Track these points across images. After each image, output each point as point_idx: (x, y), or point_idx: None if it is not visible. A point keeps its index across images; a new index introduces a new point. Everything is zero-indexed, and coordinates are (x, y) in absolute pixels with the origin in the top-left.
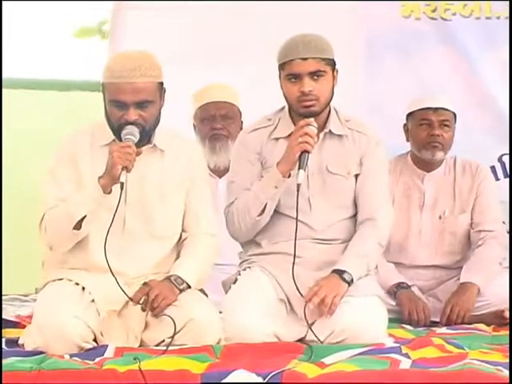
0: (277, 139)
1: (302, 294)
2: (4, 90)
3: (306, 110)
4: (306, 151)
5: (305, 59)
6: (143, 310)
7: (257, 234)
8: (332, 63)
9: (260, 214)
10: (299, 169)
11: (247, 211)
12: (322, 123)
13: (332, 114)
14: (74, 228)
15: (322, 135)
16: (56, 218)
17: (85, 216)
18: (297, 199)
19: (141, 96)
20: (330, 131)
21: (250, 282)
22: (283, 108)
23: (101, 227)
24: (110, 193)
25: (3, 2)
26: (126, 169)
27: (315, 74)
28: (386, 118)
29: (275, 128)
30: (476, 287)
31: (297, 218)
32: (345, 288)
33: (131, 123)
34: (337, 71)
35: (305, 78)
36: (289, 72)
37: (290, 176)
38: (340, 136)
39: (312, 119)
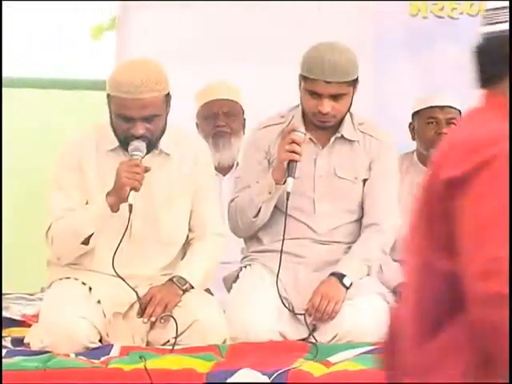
0: None
1: (286, 306)
2: (8, 89)
3: (320, 125)
4: (293, 160)
5: (328, 82)
6: (148, 322)
7: (259, 231)
8: (355, 81)
9: (255, 216)
10: (288, 176)
11: (244, 211)
12: (334, 126)
13: (346, 118)
14: (82, 243)
15: (333, 139)
16: (63, 233)
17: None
18: (286, 207)
19: (148, 111)
20: (341, 136)
21: (253, 280)
22: (298, 106)
23: (108, 233)
24: (117, 211)
25: (3, 2)
26: (135, 189)
27: (336, 95)
28: (392, 117)
29: (287, 126)
30: None
31: (285, 223)
32: (344, 293)
33: (138, 137)
34: (358, 82)
35: (325, 99)
36: (310, 88)
37: (284, 183)
38: (351, 141)
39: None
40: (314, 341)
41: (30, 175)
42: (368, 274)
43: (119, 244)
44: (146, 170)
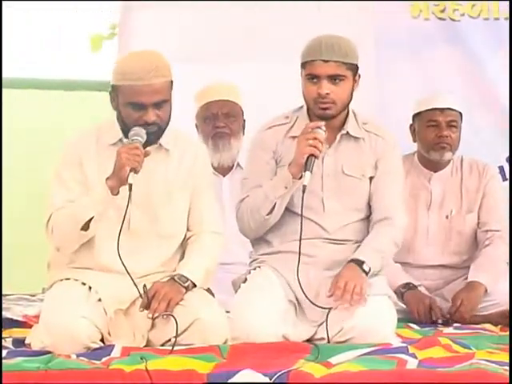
0: (293, 138)
1: (308, 298)
2: (8, 90)
3: (321, 112)
4: (313, 155)
5: (326, 61)
6: (152, 317)
7: (268, 233)
8: (354, 68)
9: (269, 213)
10: (305, 171)
11: (257, 210)
12: (339, 125)
13: (350, 116)
14: (82, 229)
15: (338, 137)
16: (63, 219)
17: (92, 217)
18: (302, 201)
19: (159, 96)
20: (347, 133)
21: (260, 282)
22: (302, 107)
23: (107, 227)
24: (117, 194)
25: (3, 2)
26: (134, 170)
27: (334, 78)
28: (394, 118)
29: (292, 126)
30: (483, 287)
31: (301, 217)
32: (365, 278)
33: (149, 124)
34: (359, 76)
35: (323, 81)
36: (309, 72)
37: (300, 177)
38: (357, 138)
39: (322, 122)
40: (322, 334)
41: (30, 175)
42: (382, 265)
43: (120, 231)
44: (146, 154)
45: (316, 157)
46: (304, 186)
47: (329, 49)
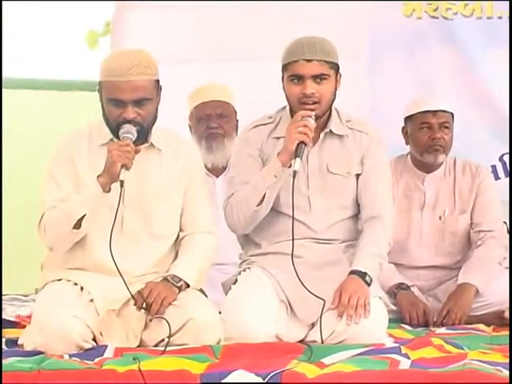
0: (277, 138)
1: (307, 288)
2: (4, 90)
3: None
4: (303, 142)
5: (309, 61)
6: (146, 310)
7: (256, 235)
8: (336, 67)
9: (259, 204)
10: (296, 157)
11: (246, 202)
12: (323, 123)
13: (333, 114)
14: (74, 227)
15: (322, 135)
16: (55, 218)
17: (84, 215)
18: (292, 187)
19: (139, 94)
20: (330, 131)
21: (251, 282)
22: (285, 107)
23: (100, 227)
24: (109, 191)
25: (3, 2)
26: (125, 167)
27: (318, 77)
28: (387, 118)
29: (276, 127)
30: (474, 288)
31: (293, 206)
32: (368, 290)
33: (129, 121)
34: (340, 75)
35: (308, 80)
36: (292, 73)
37: (290, 166)
38: (341, 136)
39: (313, 112)
40: (314, 336)
41: (27, 176)
42: (381, 270)
43: (112, 230)
44: (137, 151)
45: (306, 144)
46: (294, 172)
47: (311, 48)
